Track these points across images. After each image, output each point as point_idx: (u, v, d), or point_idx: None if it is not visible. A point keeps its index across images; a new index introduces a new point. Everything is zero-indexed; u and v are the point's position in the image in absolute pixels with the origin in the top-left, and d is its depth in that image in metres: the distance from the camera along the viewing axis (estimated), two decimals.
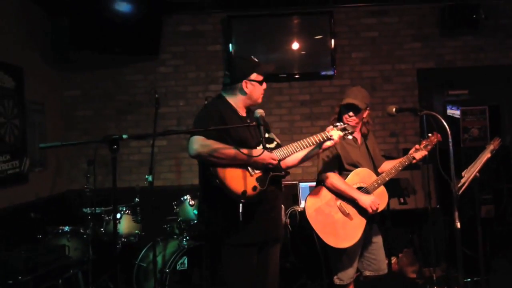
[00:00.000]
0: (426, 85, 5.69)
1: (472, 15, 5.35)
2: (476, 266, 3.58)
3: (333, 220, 3.39)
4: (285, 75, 5.51)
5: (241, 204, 2.70)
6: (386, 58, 5.64)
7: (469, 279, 4.33)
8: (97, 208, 4.38)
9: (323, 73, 5.53)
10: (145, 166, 5.25)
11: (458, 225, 2.99)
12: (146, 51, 5.40)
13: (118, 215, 4.37)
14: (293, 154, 2.93)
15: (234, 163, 2.73)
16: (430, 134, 3.62)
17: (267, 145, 2.84)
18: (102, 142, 2.34)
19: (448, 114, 5.85)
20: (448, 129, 3.05)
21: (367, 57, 5.64)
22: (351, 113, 3.48)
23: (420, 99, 5.64)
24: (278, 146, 2.93)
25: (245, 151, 2.72)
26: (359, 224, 3.41)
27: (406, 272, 5.01)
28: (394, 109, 3.47)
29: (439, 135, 3.59)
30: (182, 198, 4.48)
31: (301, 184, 5.21)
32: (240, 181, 2.72)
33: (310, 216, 3.40)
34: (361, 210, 3.42)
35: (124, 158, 5.56)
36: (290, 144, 2.92)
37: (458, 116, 5.57)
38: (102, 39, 5.02)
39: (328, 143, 2.99)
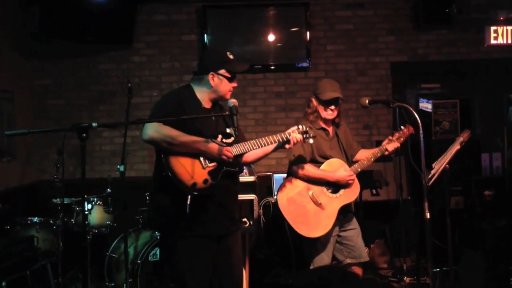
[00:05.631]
0: (399, 78, 5.76)
1: (445, 9, 5.41)
2: (445, 256, 3.65)
3: (305, 210, 3.40)
4: (260, 66, 5.49)
5: (189, 197, 2.65)
6: (361, 50, 5.67)
7: (438, 269, 4.42)
8: (66, 198, 4.30)
9: (298, 65, 5.53)
10: (117, 157, 5.18)
11: (428, 215, 3.05)
12: (119, 40, 5.30)
13: (90, 206, 4.31)
14: (251, 151, 2.89)
15: (187, 151, 2.69)
16: (402, 127, 3.64)
17: (224, 140, 2.81)
18: (71, 130, 2.30)
19: (420, 107, 5.93)
20: (419, 122, 3.09)
21: (342, 50, 5.66)
22: (332, 107, 3.48)
23: (393, 92, 5.70)
24: (235, 142, 2.85)
25: (201, 140, 2.70)
26: (331, 213, 3.42)
27: (378, 262, 5.09)
28: (367, 101, 3.51)
29: (411, 128, 3.61)
30: None
31: (275, 175, 5.20)
32: (191, 173, 2.67)
33: (282, 206, 3.41)
34: (333, 199, 3.44)
35: (97, 148, 5.49)
36: (249, 141, 2.87)
37: (430, 110, 5.65)
38: (73, 27, 4.91)
39: (286, 145, 2.98)
